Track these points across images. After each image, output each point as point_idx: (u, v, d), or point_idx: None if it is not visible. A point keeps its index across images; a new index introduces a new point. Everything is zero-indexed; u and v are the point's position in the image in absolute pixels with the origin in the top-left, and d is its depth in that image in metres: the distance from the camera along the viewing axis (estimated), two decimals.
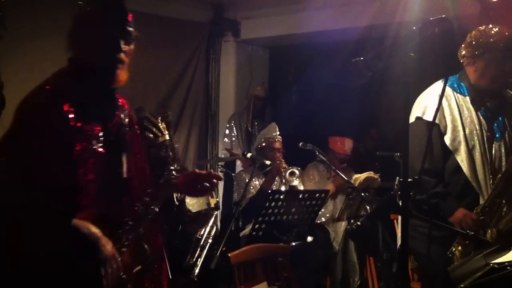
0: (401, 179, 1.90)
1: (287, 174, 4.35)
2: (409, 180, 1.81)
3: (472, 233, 2.44)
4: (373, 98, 5.51)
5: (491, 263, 1.91)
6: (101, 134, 1.98)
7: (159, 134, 3.32)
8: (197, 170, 2.30)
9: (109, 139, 2.01)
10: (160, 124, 3.35)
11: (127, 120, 2.12)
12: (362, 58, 1.80)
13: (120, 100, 2.14)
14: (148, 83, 5.49)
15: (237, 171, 5.70)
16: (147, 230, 2.07)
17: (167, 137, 3.31)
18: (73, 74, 1.99)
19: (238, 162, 5.86)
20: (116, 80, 2.02)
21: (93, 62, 1.97)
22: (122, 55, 2.01)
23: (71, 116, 1.90)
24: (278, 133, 4.60)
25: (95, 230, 1.89)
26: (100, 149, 1.96)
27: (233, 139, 5.92)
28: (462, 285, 1.96)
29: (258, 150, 4.58)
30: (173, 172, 2.18)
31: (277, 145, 4.53)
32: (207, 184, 2.22)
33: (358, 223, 2.74)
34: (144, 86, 5.36)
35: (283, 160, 4.48)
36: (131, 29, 2.03)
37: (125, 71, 2.04)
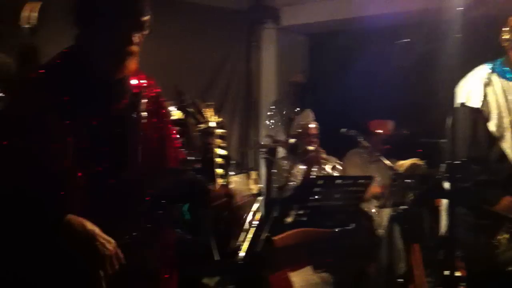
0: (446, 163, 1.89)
1: (326, 167, 4.34)
2: (456, 162, 1.77)
3: None
4: (415, 84, 5.41)
5: None
6: (93, 126, 1.81)
7: (202, 120, 3.35)
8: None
9: (108, 130, 1.84)
10: (204, 110, 3.38)
11: (139, 104, 1.93)
12: (407, 40, 1.78)
13: (132, 85, 1.96)
14: (190, 71, 5.54)
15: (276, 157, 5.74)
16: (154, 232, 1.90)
17: (210, 124, 3.33)
18: (73, 60, 1.86)
19: (280, 149, 5.87)
20: (124, 70, 1.86)
21: (98, 52, 1.83)
22: (133, 47, 1.84)
23: (60, 107, 1.76)
24: (312, 119, 4.59)
25: (91, 227, 1.70)
26: (89, 142, 1.79)
27: (275, 125, 5.93)
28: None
29: (294, 137, 4.57)
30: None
31: (313, 131, 4.51)
32: None
33: (404, 207, 2.75)
34: (185, 74, 5.42)
35: (320, 149, 4.45)
36: (146, 18, 1.85)
37: (135, 60, 1.88)
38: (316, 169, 4.49)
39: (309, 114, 4.65)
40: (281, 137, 5.82)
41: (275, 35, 6.37)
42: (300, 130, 4.55)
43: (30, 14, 2.51)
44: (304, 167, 4.51)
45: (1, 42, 3.40)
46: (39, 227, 1.68)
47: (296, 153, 4.13)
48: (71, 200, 1.72)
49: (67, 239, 1.68)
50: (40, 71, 1.84)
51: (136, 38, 1.82)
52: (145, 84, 2.03)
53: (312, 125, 4.54)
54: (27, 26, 2.69)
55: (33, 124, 1.72)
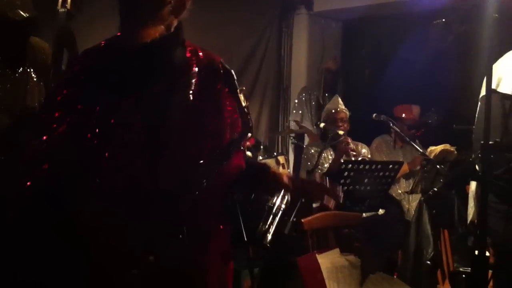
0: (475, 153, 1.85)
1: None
2: (491, 143, 1.77)
3: None
4: (451, 69, 5.35)
5: None
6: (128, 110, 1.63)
7: None
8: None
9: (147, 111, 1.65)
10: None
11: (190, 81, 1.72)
12: (443, 20, 1.77)
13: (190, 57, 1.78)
14: (221, 56, 5.57)
15: (305, 143, 5.75)
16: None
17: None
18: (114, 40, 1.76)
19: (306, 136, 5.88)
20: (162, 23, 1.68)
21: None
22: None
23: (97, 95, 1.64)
24: (341, 104, 4.58)
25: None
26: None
27: (303, 112, 5.94)
28: None
29: (324, 122, 4.58)
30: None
31: (342, 115, 4.51)
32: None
33: (435, 189, 2.73)
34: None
35: (349, 139, 4.43)
36: None
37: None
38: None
39: (338, 99, 4.64)
40: (308, 123, 5.83)
41: (307, 21, 6.36)
42: (328, 115, 4.55)
43: None
44: (333, 152, 4.51)
45: (38, 27, 3.47)
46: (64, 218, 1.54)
47: (326, 138, 4.14)
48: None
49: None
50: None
51: None
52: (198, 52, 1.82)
53: (341, 109, 4.54)
54: (62, 10, 2.71)
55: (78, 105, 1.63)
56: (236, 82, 1.73)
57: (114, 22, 1.87)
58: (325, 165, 4.34)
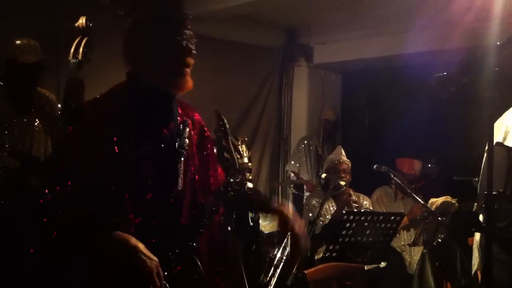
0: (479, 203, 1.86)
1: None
2: (494, 193, 1.78)
3: None
4: (448, 122, 5.42)
5: None
6: (150, 147, 1.83)
7: (238, 157, 3.38)
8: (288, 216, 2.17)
9: (160, 149, 1.86)
10: (240, 146, 3.43)
11: (187, 130, 1.95)
12: (445, 73, 1.81)
13: (181, 110, 2.00)
14: (222, 107, 5.63)
15: (305, 193, 5.74)
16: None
17: (245, 160, 3.35)
18: (130, 89, 1.88)
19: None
20: (182, 86, 1.89)
21: (155, 72, 1.86)
22: (189, 59, 1.87)
23: (116, 137, 1.77)
24: (344, 155, 4.60)
25: (135, 242, 1.71)
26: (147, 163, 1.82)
27: (301, 162, 5.96)
28: None
29: (326, 172, 4.58)
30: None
31: (344, 166, 4.52)
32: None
33: (439, 240, 2.71)
34: (219, 109, 5.52)
35: (351, 190, 4.44)
36: (191, 32, 1.88)
37: (190, 76, 1.90)
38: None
39: (341, 150, 4.67)
40: (306, 173, 5.84)
41: (307, 72, 6.49)
42: (331, 165, 4.56)
43: (77, 49, 2.63)
44: (334, 203, 4.51)
45: (47, 78, 3.54)
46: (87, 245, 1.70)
47: (328, 188, 4.13)
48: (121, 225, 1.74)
49: (111, 254, 1.70)
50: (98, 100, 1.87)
51: (191, 47, 1.86)
52: (192, 114, 2.07)
53: (343, 161, 4.56)
54: (74, 60, 2.78)
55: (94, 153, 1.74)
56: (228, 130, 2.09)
57: (121, 66, 1.96)
58: (327, 216, 4.32)
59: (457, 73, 1.80)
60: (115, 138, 1.77)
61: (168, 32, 1.83)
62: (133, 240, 1.71)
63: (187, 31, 1.86)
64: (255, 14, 5.56)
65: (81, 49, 2.10)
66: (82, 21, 2.20)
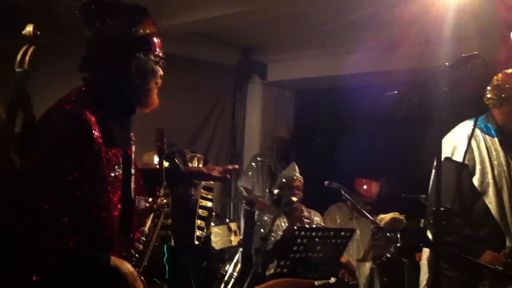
0: (427, 219, 1.92)
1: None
2: (442, 209, 1.83)
3: (501, 268, 2.43)
4: (400, 140, 5.56)
5: None
6: (121, 159, 1.93)
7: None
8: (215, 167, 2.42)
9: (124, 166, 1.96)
10: (191, 163, 3.42)
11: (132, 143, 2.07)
12: (396, 92, 1.87)
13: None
14: (176, 123, 5.62)
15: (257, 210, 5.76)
16: None
17: None
18: (94, 97, 1.90)
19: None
20: (150, 105, 2.01)
21: (123, 88, 1.93)
22: (159, 80, 2.01)
23: (98, 139, 1.82)
24: (297, 172, 4.65)
25: (132, 268, 1.86)
26: (120, 175, 1.92)
27: (253, 179, 5.98)
28: None
29: (278, 189, 4.61)
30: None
31: (297, 183, 4.57)
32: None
33: (388, 255, 2.77)
34: (172, 126, 5.50)
35: (303, 206, 4.49)
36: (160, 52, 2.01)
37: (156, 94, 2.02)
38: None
39: (295, 166, 4.72)
40: (259, 189, 5.86)
41: (261, 89, 6.55)
42: (284, 181, 4.60)
43: (23, 57, 2.55)
44: (286, 219, 4.54)
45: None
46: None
47: (280, 204, 4.16)
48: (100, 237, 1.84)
49: (114, 279, 1.81)
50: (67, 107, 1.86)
51: (159, 69, 2.00)
52: None
53: (297, 177, 4.60)
54: (19, 70, 2.71)
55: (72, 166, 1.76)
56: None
57: (71, 82, 1.94)
58: (279, 232, 4.34)
59: (408, 93, 1.87)
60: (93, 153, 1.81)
61: (140, 53, 1.93)
62: (127, 265, 1.84)
63: (159, 53, 1.98)
64: (211, 31, 5.59)
65: (27, 58, 2.02)
66: (29, 29, 2.13)
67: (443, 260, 2.68)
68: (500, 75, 2.95)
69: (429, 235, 2.68)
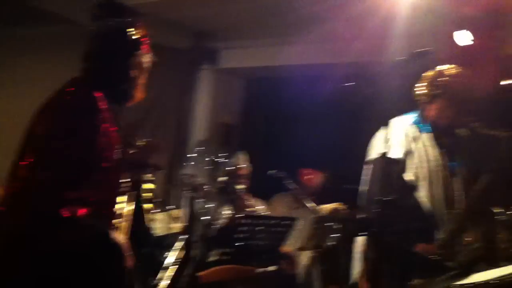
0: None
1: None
2: (385, 199, 1.86)
3: (436, 258, 2.50)
4: (344, 133, 5.63)
5: (452, 284, 1.98)
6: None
7: None
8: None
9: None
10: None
11: None
12: (353, 83, 1.89)
13: None
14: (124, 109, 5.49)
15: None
16: None
17: None
18: (95, 84, 2.08)
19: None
20: (138, 97, 2.29)
21: (120, 80, 2.17)
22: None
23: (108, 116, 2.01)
24: (246, 160, 4.65)
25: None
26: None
27: (198, 166, 5.93)
28: None
29: (225, 176, 4.59)
30: None
31: (244, 171, 4.58)
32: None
33: (328, 244, 2.80)
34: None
35: (247, 195, 4.50)
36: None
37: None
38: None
39: (243, 155, 4.71)
40: (203, 177, 5.83)
41: (211, 76, 6.47)
42: (232, 170, 4.59)
43: None
44: (230, 207, 4.53)
45: None
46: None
47: (224, 192, 4.15)
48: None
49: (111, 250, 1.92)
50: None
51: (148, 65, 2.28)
52: None
53: (244, 166, 4.60)
54: None
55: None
56: None
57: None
58: (223, 219, 4.33)
59: (363, 84, 1.89)
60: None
61: (138, 51, 2.21)
62: (121, 236, 1.98)
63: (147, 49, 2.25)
64: (161, 14, 5.48)
65: None
66: None
67: (377, 251, 2.73)
68: (432, 71, 3.01)
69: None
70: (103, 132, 1.97)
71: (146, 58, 2.28)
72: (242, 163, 4.63)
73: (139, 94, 2.28)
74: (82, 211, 1.83)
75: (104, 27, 2.18)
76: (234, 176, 4.55)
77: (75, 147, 1.88)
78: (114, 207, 2.07)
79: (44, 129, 1.94)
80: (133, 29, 2.20)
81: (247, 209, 4.40)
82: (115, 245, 1.91)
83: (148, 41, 2.28)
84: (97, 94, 2.01)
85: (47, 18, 4.71)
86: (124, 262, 1.93)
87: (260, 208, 4.62)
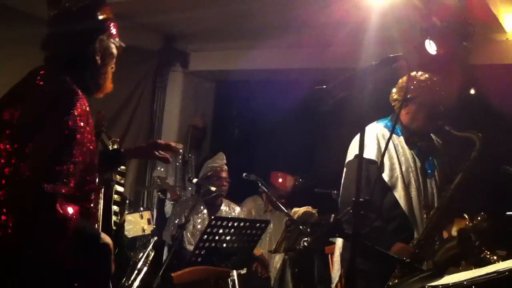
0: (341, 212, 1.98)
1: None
2: (361, 200, 1.92)
3: (408, 260, 2.57)
4: (314, 137, 5.72)
5: (427, 286, 2.05)
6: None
7: None
8: (158, 140, 2.47)
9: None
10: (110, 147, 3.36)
11: None
12: (324, 86, 1.94)
13: None
14: (92, 106, 5.44)
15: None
16: None
17: None
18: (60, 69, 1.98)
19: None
20: (106, 89, 2.14)
21: (84, 67, 2.02)
22: (113, 65, 2.12)
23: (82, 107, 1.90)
24: (225, 162, 4.69)
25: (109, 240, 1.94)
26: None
27: (168, 167, 5.93)
28: None
29: (204, 179, 4.62)
30: None
31: (224, 174, 4.61)
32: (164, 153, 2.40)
33: (300, 247, 2.85)
34: (91, 107, 5.33)
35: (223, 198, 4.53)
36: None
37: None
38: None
39: (223, 157, 4.74)
40: (172, 178, 5.83)
41: (181, 78, 6.48)
42: (211, 173, 4.61)
43: None
44: (204, 208, 4.56)
45: None
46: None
47: (199, 193, 4.17)
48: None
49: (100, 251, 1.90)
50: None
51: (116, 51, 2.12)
52: None
53: (224, 168, 4.64)
54: None
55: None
56: None
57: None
58: (199, 221, 4.35)
59: (335, 87, 1.94)
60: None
61: (101, 35, 2.04)
62: (108, 238, 1.92)
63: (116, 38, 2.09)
64: (131, 15, 5.45)
65: None
66: None
67: (352, 252, 2.78)
68: (405, 77, 3.13)
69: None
70: (85, 122, 1.88)
71: (113, 44, 2.09)
72: (224, 165, 4.67)
73: (107, 83, 2.11)
74: (75, 209, 1.78)
75: (65, 9, 2.02)
76: (217, 178, 4.59)
77: (53, 135, 1.79)
78: (91, 203, 1.99)
79: (18, 117, 1.81)
80: (97, 11, 2.06)
81: (221, 211, 4.45)
82: (105, 245, 1.90)
83: (115, 26, 2.11)
84: (74, 85, 1.92)
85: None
86: (109, 261, 1.93)
87: (236, 210, 4.67)
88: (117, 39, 2.10)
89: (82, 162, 1.85)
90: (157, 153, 2.38)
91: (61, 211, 1.72)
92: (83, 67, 2.01)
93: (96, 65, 2.03)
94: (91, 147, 1.92)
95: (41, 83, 1.89)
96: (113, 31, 2.09)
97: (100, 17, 2.04)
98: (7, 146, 1.75)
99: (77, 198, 1.83)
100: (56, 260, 1.78)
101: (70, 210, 1.76)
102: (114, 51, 2.09)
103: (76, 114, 1.83)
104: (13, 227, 1.68)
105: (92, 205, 1.97)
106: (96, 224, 2.13)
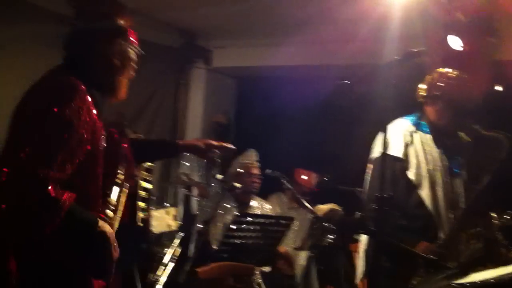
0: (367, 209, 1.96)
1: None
2: (385, 195, 1.91)
3: (436, 258, 2.55)
4: (337, 134, 5.68)
5: (453, 283, 2.04)
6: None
7: None
8: (212, 141, 2.47)
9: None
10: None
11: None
12: (347, 81, 1.93)
13: None
14: (117, 103, 5.49)
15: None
16: None
17: None
18: (77, 74, 1.98)
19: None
20: (119, 94, 2.12)
21: (102, 70, 2.04)
22: (132, 72, 2.13)
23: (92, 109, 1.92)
24: (256, 159, 4.69)
25: (109, 229, 1.93)
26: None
27: (192, 164, 5.96)
28: None
29: (234, 176, 4.62)
30: None
31: (256, 171, 4.62)
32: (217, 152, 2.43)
33: (325, 244, 2.85)
34: (114, 105, 5.38)
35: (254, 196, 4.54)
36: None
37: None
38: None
39: (253, 153, 4.75)
40: (197, 175, 5.86)
41: (204, 75, 6.51)
42: (242, 170, 4.62)
43: None
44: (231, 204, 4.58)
45: None
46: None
47: (224, 190, 4.20)
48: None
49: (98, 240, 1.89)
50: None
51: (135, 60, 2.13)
52: None
53: (255, 164, 4.65)
54: None
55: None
56: None
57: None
58: (226, 217, 4.38)
59: (358, 82, 1.93)
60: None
61: (120, 39, 2.06)
62: (108, 227, 1.93)
63: (135, 45, 2.10)
64: (153, 11, 5.48)
65: None
66: None
67: (376, 250, 2.78)
68: (433, 73, 3.08)
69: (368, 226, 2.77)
70: (86, 114, 1.88)
71: (131, 49, 2.10)
72: (253, 161, 4.67)
73: (122, 90, 2.11)
74: (70, 195, 1.78)
75: (85, 12, 2.05)
76: (249, 174, 4.60)
77: (55, 126, 1.80)
78: (100, 197, 2.00)
79: (25, 112, 1.86)
80: (116, 16, 2.07)
81: (251, 207, 4.45)
82: (102, 233, 1.89)
83: (134, 35, 2.12)
84: (77, 81, 1.92)
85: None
86: (109, 250, 1.91)
87: (266, 206, 4.67)
88: (136, 46, 2.11)
89: (81, 151, 1.86)
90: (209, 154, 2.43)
91: (53, 194, 1.72)
92: (99, 69, 2.03)
93: (112, 67, 2.05)
94: (95, 138, 1.93)
95: (45, 79, 1.96)
96: (131, 36, 2.11)
97: (118, 21, 2.07)
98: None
99: (77, 189, 1.84)
100: (48, 241, 1.80)
101: (64, 195, 1.76)
102: (133, 56, 2.10)
103: (74, 105, 1.84)
104: (5, 209, 1.71)
105: (95, 199, 1.98)
106: (116, 220, 2.09)
